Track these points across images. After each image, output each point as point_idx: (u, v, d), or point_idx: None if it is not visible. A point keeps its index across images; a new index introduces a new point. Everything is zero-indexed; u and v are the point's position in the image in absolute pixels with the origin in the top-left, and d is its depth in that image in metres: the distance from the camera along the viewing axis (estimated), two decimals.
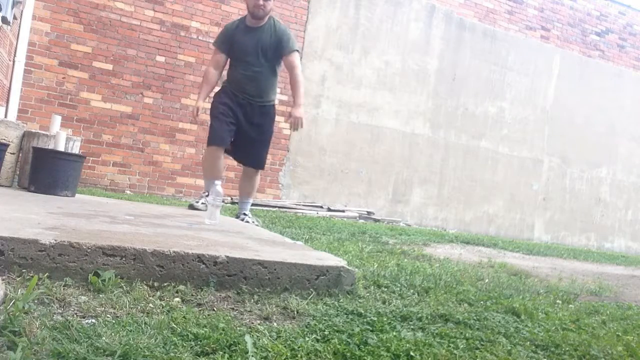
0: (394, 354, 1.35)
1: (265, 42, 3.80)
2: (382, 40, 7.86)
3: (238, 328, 1.42)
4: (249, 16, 3.86)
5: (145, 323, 1.35)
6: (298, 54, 3.91)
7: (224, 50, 3.91)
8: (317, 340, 1.40)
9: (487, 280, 2.75)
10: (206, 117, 6.69)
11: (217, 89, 4.02)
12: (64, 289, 1.54)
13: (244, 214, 3.94)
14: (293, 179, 7.29)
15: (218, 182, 3.28)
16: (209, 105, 3.95)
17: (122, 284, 1.63)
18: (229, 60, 3.95)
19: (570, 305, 2.33)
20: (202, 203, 3.98)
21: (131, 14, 6.39)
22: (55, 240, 1.64)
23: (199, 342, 1.28)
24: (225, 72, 4.04)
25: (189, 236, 2.24)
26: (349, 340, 1.41)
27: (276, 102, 4.08)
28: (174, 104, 6.60)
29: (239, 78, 3.81)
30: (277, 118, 7.19)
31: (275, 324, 1.54)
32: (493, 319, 1.83)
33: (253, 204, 6.51)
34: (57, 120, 4.39)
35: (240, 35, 3.84)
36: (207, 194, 3.85)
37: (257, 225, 3.72)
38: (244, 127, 3.81)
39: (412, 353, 1.36)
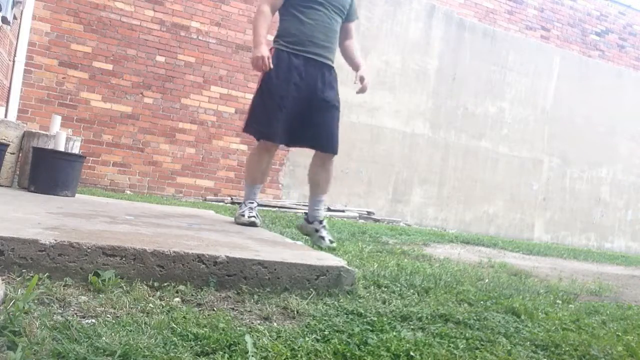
0: (394, 354, 1.35)
1: None
2: (382, 40, 7.85)
3: (238, 328, 1.42)
4: None
5: (145, 323, 1.35)
6: None
7: None
8: (317, 340, 1.40)
9: (487, 280, 2.75)
10: (206, 117, 6.75)
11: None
12: (64, 289, 1.54)
13: (320, 223, 3.08)
14: (293, 179, 7.29)
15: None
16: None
17: (122, 284, 1.63)
18: (282, 9, 3.09)
19: (570, 305, 2.33)
20: (254, 216, 3.15)
21: (131, 14, 6.39)
22: (55, 240, 1.64)
23: (199, 342, 1.28)
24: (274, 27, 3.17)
25: (189, 236, 2.24)
26: (349, 340, 1.41)
27: None
28: (174, 104, 6.60)
29: (306, 27, 3.01)
30: None
31: (275, 324, 1.54)
32: (493, 319, 1.83)
33: None
34: (57, 120, 4.39)
35: None
36: (254, 203, 3.19)
37: (331, 244, 3.01)
38: (312, 97, 3.01)
39: (412, 353, 1.36)
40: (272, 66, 2.97)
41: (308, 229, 3.11)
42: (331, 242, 3.03)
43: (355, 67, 3.35)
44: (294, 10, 3.03)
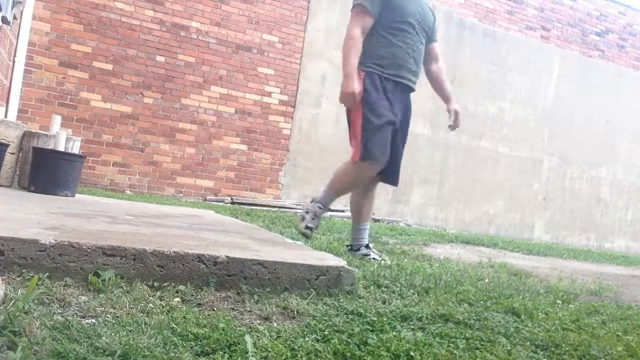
0: (394, 354, 1.35)
1: (426, 12, 2.97)
2: None
3: (238, 328, 1.42)
4: None
5: (145, 323, 1.35)
6: None
7: (375, 12, 2.83)
8: (317, 340, 1.40)
9: (487, 280, 2.75)
10: (206, 117, 6.75)
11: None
12: (64, 289, 1.54)
13: (367, 247, 2.99)
14: (293, 179, 7.29)
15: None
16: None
17: (122, 284, 1.63)
18: (371, 29, 2.87)
19: (570, 305, 2.33)
20: (374, 258, 2.91)
21: (131, 14, 6.39)
22: (55, 240, 1.64)
23: (199, 342, 1.28)
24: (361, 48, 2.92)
25: (189, 236, 2.24)
26: (349, 340, 1.41)
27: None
28: (174, 104, 6.60)
29: (396, 51, 2.82)
30: (277, 118, 7.32)
31: (275, 324, 1.54)
32: (493, 319, 1.83)
33: (253, 205, 6.54)
34: (57, 120, 4.39)
35: None
36: (323, 210, 2.99)
37: (385, 262, 2.83)
38: (398, 132, 2.90)
39: (412, 353, 1.36)
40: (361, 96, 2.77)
41: (356, 256, 2.90)
42: (384, 260, 2.89)
43: (446, 98, 3.14)
44: (384, 32, 2.83)
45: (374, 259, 2.87)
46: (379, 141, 2.76)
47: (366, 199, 3.01)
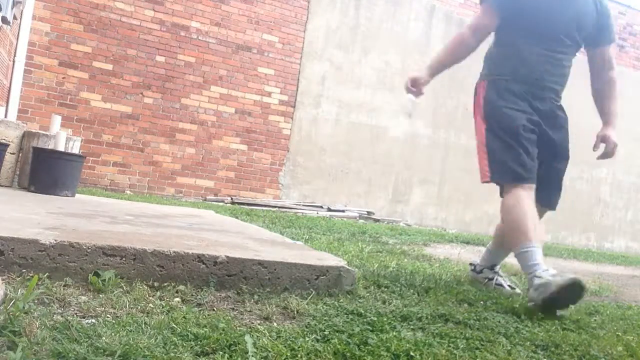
0: (394, 354, 1.35)
1: (585, 12, 2.40)
2: (382, 40, 7.85)
3: (238, 328, 1.42)
4: None
5: (145, 323, 1.35)
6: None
7: (501, 13, 2.40)
8: (317, 340, 1.40)
9: (491, 282, 2.74)
10: (206, 117, 6.75)
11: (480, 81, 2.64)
12: (64, 289, 1.54)
13: (491, 270, 2.60)
14: (293, 179, 7.29)
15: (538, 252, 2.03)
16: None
17: (122, 284, 1.63)
18: (498, 34, 2.47)
19: (570, 305, 2.32)
20: (501, 284, 2.52)
21: (131, 14, 6.39)
22: (55, 240, 1.64)
23: (199, 342, 1.28)
24: (488, 53, 2.58)
25: (189, 236, 2.24)
26: (349, 340, 1.41)
27: None
28: (174, 104, 6.60)
29: (534, 62, 2.40)
30: (277, 118, 7.32)
31: (275, 324, 1.54)
32: (493, 319, 1.83)
33: (253, 204, 6.54)
34: (57, 120, 4.39)
35: None
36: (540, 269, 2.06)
37: (513, 290, 2.47)
38: (543, 146, 2.45)
39: (412, 353, 1.36)
40: (416, 86, 2.50)
41: (478, 279, 2.59)
42: (512, 288, 2.49)
43: (606, 120, 2.68)
44: (515, 35, 2.43)
45: (498, 284, 2.46)
46: (512, 157, 2.36)
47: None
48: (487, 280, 2.57)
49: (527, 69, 2.41)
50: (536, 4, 2.37)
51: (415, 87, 2.53)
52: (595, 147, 2.67)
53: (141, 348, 1.17)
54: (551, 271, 2.01)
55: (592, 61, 2.58)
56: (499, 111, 2.43)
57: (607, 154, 2.68)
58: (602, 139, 2.66)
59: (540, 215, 2.46)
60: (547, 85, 2.47)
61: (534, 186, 2.34)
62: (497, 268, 2.65)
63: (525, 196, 2.27)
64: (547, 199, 2.53)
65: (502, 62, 2.47)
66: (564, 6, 2.36)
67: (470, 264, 2.75)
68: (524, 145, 2.34)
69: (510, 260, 4.19)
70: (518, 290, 2.48)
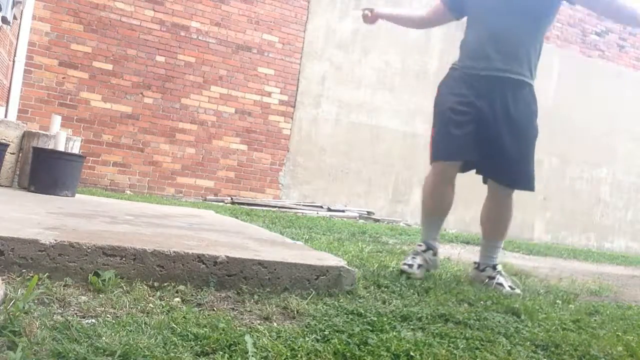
0: (394, 354, 1.35)
1: None
2: (382, 40, 7.85)
3: (238, 328, 1.42)
4: None
5: (145, 323, 1.35)
6: None
7: (454, 13, 2.71)
8: (317, 340, 1.40)
9: (487, 280, 2.74)
10: (206, 117, 6.75)
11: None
12: (64, 289, 1.54)
13: (494, 269, 2.58)
14: (293, 179, 7.29)
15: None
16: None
17: (122, 284, 1.63)
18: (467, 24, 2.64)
19: (570, 305, 2.33)
20: (420, 265, 2.49)
21: (131, 14, 6.39)
22: (55, 240, 1.64)
23: (199, 342, 1.28)
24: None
25: (189, 236, 2.24)
26: (349, 340, 1.41)
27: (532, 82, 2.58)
28: (174, 104, 6.60)
29: (480, 39, 2.52)
30: (277, 118, 7.32)
31: (275, 324, 1.54)
32: (493, 319, 1.83)
33: (253, 205, 6.54)
34: (57, 120, 4.39)
35: None
36: (425, 247, 2.57)
37: (513, 290, 2.47)
38: (491, 121, 2.48)
39: (412, 353, 1.36)
40: (369, 14, 2.80)
41: (481, 277, 2.57)
42: (512, 288, 2.48)
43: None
44: (471, 20, 2.62)
45: (498, 284, 2.47)
46: (439, 137, 2.58)
47: (490, 208, 2.64)
48: (488, 279, 2.56)
49: (475, 46, 2.53)
50: None
51: (370, 15, 2.81)
52: None
53: (141, 348, 1.17)
54: (419, 260, 2.47)
55: (587, 6, 2.63)
56: (438, 97, 2.65)
57: None
58: None
59: (501, 192, 2.57)
60: (490, 55, 2.47)
61: (455, 163, 2.52)
62: (499, 267, 2.65)
63: (441, 172, 2.53)
64: (499, 174, 2.56)
65: (460, 52, 2.65)
66: None
67: (474, 263, 2.74)
68: (448, 127, 2.50)
69: (511, 260, 4.19)
70: (518, 291, 2.49)
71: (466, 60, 2.58)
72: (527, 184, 2.58)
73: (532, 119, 2.55)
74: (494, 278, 2.54)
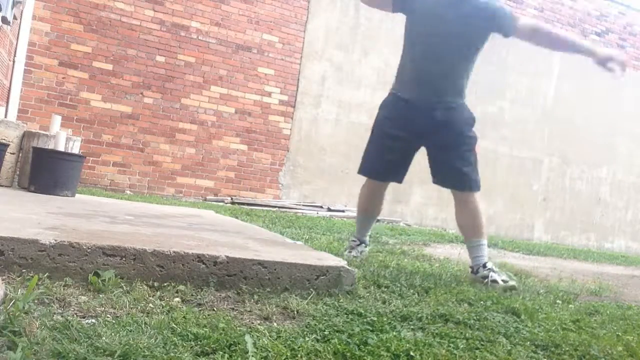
0: (394, 354, 1.35)
1: (466, 16, 2.66)
2: (382, 40, 7.85)
3: (238, 328, 1.42)
4: None
5: (145, 323, 1.35)
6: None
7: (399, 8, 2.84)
8: (317, 340, 1.40)
9: (487, 280, 2.74)
10: (206, 117, 6.75)
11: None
12: (64, 289, 1.54)
13: (485, 268, 2.65)
14: (293, 179, 7.29)
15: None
16: None
17: (122, 284, 1.63)
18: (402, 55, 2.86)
19: (570, 305, 2.33)
20: (354, 257, 2.84)
21: (131, 14, 6.39)
22: (55, 240, 1.64)
23: (199, 342, 1.28)
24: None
25: (189, 236, 2.24)
26: (349, 340, 1.41)
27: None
28: (174, 104, 6.60)
29: (414, 67, 2.77)
30: (277, 118, 7.32)
31: (275, 324, 1.54)
32: (493, 319, 1.83)
33: (253, 205, 6.54)
34: (57, 120, 4.39)
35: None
36: (358, 242, 2.98)
37: (506, 283, 2.55)
38: (425, 141, 2.80)
39: (412, 353, 1.36)
40: None
41: (478, 279, 2.64)
42: (505, 281, 2.56)
43: (585, 53, 2.84)
44: (406, 46, 2.85)
45: (493, 281, 2.54)
46: (367, 155, 2.93)
47: (458, 211, 2.80)
48: (482, 279, 2.62)
49: (409, 80, 2.75)
50: (422, 14, 2.71)
51: None
52: (610, 71, 2.83)
53: (141, 348, 1.17)
54: (352, 243, 2.95)
55: (522, 37, 2.79)
56: (377, 119, 2.90)
57: (617, 68, 2.80)
58: (601, 62, 2.79)
59: (455, 196, 2.80)
60: (428, 92, 2.70)
61: (383, 183, 2.90)
62: (489, 264, 2.70)
63: (372, 188, 2.90)
64: (445, 182, 2.84)
65: (396, 77, 2.89)
66: (443, 17, 2.64)
67: (470, 267, 2.80)
68: (379, 151, 2.83)
69: (511, 260, 4.19)
70: (512, 282, 2.55)
71: (400, 86, 2.82)
72: (470, 186, 2.75)
73: (465, 131, 2.78)
74: (487, 277, 2.60)
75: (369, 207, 2.99)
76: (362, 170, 2.92)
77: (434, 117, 2.72)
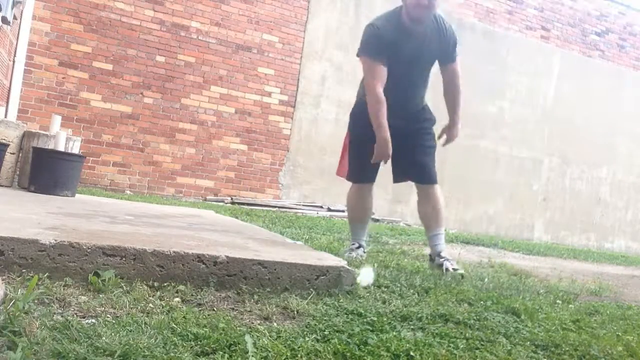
0: (394, 354, 1.35)
1: (428, 44, 2.97)
2: None
3: (238, 328, 1.42)
4: (406, 15, 2.88)
5: (145, 323, 1.35)
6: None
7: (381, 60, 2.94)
8: (317, 340, 1.40)
9: (487, 280, 2.75)
10: (206, 117, 6.75)
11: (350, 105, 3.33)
12: (64, 289, 1.54)
13: (441, 257, 2.87)
14: (293, 179, 7.29)
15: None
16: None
17: (122, 284, 1.63)
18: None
19: (570, 305, 2.33)
20: (447, 269, 2.82)
21: (131, 14, 6.39)
22: (55, 240, 1.64)
23: (199, 342, 1.28)
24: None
25: (189, 236, 2.24)
26: (349, 340, 1.41)
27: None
28: (174, 104, 6.60)
29: (390, 87, 2.93)
30: (277, 118, 7.31)
31: (275, 324, 1.54)
32: (493, 319, 1.83)
33: (253, 205, 6.54)
34: (57, 120, 4.39)
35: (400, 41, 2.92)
36: (357, 245, 3.08)
37: (456, 271, 2.77)
38: (395, 143, 2.89)
39: (412, 353, 1.36)
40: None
41: (434, 267, 2.87)
42: (455, 269, 2.78)
43: (449, 118, 3.19)
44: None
45: (445, 269, 2.75)
46: (357, 165, 3.10)
47: (422, 202, 3.06)
48: (437, 267, 2.83)
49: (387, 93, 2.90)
50: (390, 49, 2.87)
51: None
52: (439, 138, 3.15)
53: (141, 348, 1.17)
54: (352, 247, 3.04)
55: (444, 74, 3.12)
56: (353, 129, 3.13)
57: (446, 141, 3.15)
58: (443, 131, 3.15)
59: (422, 190, 3.06)
60: (395, 108, 2.89)
61: (369, 185, 3.08)
62: (443, 253, 2.89)
63: (360, 191, 3.09)
64: (409, 176, 3.09)
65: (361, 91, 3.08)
66: (408, 44, 2.90)
67: (429, 255, 3.03)
68: (358, 157, 3.02)
69: (510, 260, 4.19)
70: (460, 271, 2.78)
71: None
72: (430, 179, 3.04)
73: (427, 132, 3.10)
74: (442, 265, 2.82)
75: (361, 214, 3.14)
76: (353, 178, 3.10)
77: (402, 125, 2.94)
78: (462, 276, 2.68)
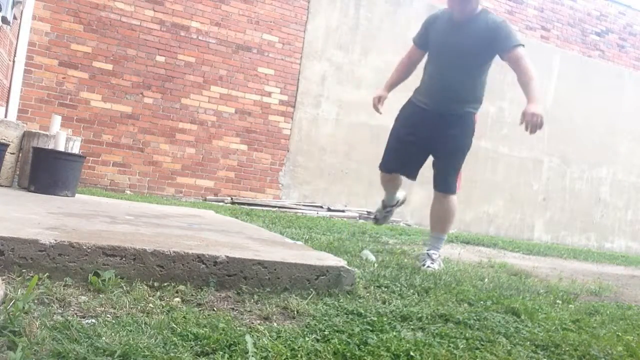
0: (394, 354, 1.35)
1: (474, 35, 3.02)
2: (382, 40, 7.85)
3: (238, 328, 1.42)
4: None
5: (145, 323, 1.35)
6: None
7: (421, 48, 3.27)
8: (317, 340, 1.40)
9: (487, 280, 2.75)
10: (206, 117, 6.75)
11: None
12: (64, 289, 1.54)
13: (428, 256, 3.10)
14: (293, 179, 7.29)
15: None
16: (390, 96, 3.34)
17: (122, 284, 1.63)
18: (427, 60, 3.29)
19: (570, 305, 2.33)
20: (428, 266, 3.03)
21: (131, 14, 6.39)
22: (55, 240, 1.64)
23: (199, 342, 1.28)
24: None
25: (189, 236, 2.24)
26: (349, 340, 1.41)
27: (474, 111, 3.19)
28: (174, 104, 6.59)
29: (431, 79, 3.18)
30: (277, 118, 7.32)
31: (275, 324, 1.54)
32: (493, 319, 1.83)
33: (253, 204, 6.54)
34: (57, 120, 4.39)
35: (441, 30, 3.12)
36: (389, 208, 3.70)
37: (428, 268, 2.95)
38: (430, 145, 3.17)
39: (412, 353, 1.36)
40: (380, 108, 3.27)
41: (416, 259, 3.20)
42: (425, 265, 3.00)
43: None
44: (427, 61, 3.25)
45: (428, 267, 2.97)
46: (385, 152, 3.32)
47: (435, 208, 3.25)
48: (420, 262, 3.06)
49: (427, 90, 3.15)
50: (434, 38, 3.13)
51: (379, 103, 3.28)
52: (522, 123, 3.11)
53: (141, 348, 1.17)
54: (381, 207, 3.72)
55: (509, 64, 3.09)
56: (396, 120, 3.28)
57: (528, 126, 3.12)
58: (523, 115, 3.09)
59: (437, 196, 3.21)
60: (440, 103, 3.08)
61: (395, 175, 3.34)
62: (435, 256, 3.11)
63: (386, 178, 3.38)
64: (435, 183, 3.22)
65: (418, 88, 3.26)
66: (452, 36, 3.04)
67: (425, 251, 3.22)
68: (394, 149, 3.23)
69: (510, 260, 4.19)
70: (435, 265, 3.00)
71: (418, 95, 3.21)
72: (445, 187, 3.19)
73: (465, 141, 3.16)
74: (421, 260, 3.10)
75: (389, 187, 3.51)
76: (380, 165, 3.35)
77: (441, 125, 3.09)
78: (434, 269, 2.90)
